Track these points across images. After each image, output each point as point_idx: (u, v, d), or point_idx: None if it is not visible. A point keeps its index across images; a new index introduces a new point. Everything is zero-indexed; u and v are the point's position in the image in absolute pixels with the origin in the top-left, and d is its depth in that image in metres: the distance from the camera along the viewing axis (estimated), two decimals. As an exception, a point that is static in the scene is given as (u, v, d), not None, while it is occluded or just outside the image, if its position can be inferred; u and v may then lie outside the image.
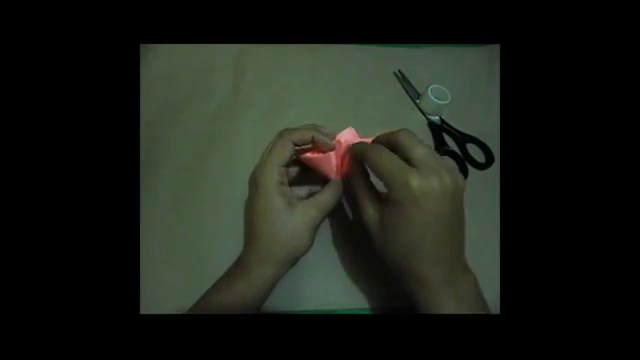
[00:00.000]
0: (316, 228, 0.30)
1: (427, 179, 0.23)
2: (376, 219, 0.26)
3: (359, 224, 0.36)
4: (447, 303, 0.25)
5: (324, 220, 0.36)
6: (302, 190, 0.34)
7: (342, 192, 0.31)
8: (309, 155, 0.30)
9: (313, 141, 0.30)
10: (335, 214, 0.37)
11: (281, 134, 0.30)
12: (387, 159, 0.25)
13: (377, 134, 0.29)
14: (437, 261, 0.25)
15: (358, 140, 0.30)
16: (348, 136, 0.30)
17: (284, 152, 0.29)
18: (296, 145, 0.29)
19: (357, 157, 0.28)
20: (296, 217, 0.28)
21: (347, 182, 0.31)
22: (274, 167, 0.28)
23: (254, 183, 0.29)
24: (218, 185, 0.38)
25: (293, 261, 0.30)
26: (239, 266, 0.29)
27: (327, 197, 0.30)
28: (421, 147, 0.25)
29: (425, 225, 0.24)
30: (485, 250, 0.33)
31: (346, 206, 0.38)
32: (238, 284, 0.28)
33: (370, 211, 0.27)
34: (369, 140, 0.30)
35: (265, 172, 0.28)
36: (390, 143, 0.26)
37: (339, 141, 0.30)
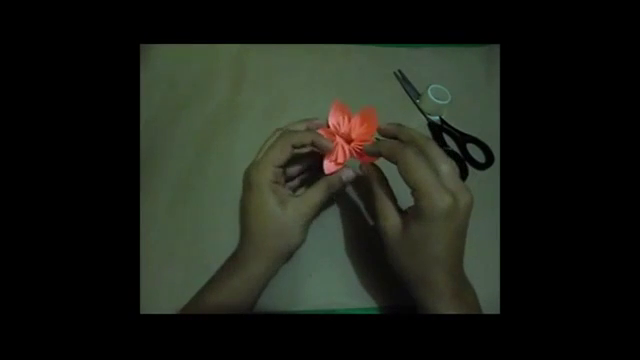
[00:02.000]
0: (308, 224, 0.30)
1: (458, 197, 0.25)
2: (399, 229, 0.26)
3: (359, 224, 0.37)
4: (452, 309, 0.26)
5: (322, 218, 0.36)
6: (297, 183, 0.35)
7: (334, 188, 0.31)
8: (327, 167, 0.31)
9: (312, 144, 0.30)
10: (335, 214, 0.37)
11: (282, 136, 0.30)
12: (428, 173, 0.24)
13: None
14: (451, 271, 0.26)
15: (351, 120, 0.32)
16: (336, 117, 0.32)
17: (282, 154, 0.29)
18: (295, 148, 0.30)
19: (388, 157, 0.27)
20: (288, 215, 0.29)
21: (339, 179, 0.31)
22: (269, 167, 0.29)
23: (248, 181, 0.29)
24: (218, 185, 0.38)
25: (287, 256, 0.31)
26: (234, 262, 0.30)
27: (318, 194, 0.30)
28: (448, 162, 0.26)
29: (450, 239, 0.25)
30: (485, 250, 0.33)
31: (346, 206, 0.38)
32: (233, 279, 0.29)
33: (392, 219, 0.27)
34: (358, 119, 0.32)
35: (260, 171, 0.29)
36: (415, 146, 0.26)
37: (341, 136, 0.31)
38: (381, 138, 0.31)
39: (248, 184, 0.29)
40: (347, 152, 0.31)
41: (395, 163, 0.26)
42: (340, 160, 0.31)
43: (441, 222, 0.24)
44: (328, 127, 0.32)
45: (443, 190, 0.24)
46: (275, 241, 0.29)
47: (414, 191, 0.25)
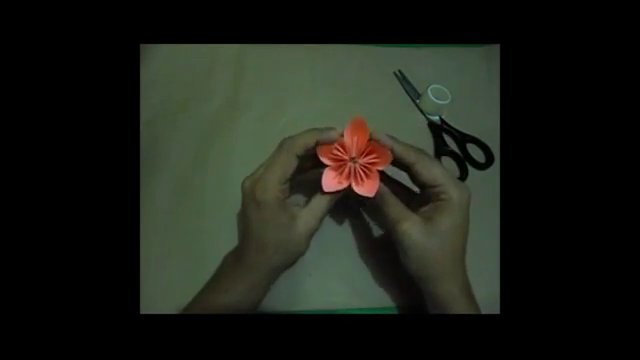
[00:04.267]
0: (313, 234, 0.30)
1: (468, 192, 0.28)
2: (422, 226, 0.27)
3: (359, 224, 0.37)
4: (465, 307, 0.27)
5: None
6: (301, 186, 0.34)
7: (339, 196, 0.30)
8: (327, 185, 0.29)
9: (318, 143, 0.28)
10: (335, 214, 0.37)
11: (283, 147, 0.28)
12: (444, 170, 0.28)
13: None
14: (464, 268, 0.28)
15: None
16: (352, 135, 0.29)
17: (287, 168, 0.28)
18: (299, 157, 0.28)
19: (404, 162, 0.29)
20: (299, 229, 0.28)
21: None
22: (277, 186, 0.27)
23: (253, 198, 0.28)
24: (218, 185, 0.38)
25: (292, 264, 0.30)
26: (241, 269, 0.29)
27: (324, 204, 0.29)
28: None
29: (466, 231, 0.27)
30: (485, 250, 0.33)
31: (346, 207, 0.38)
32: (241, 286, 0.29)
33: (413, 219, 0.27)
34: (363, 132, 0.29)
35: (267, 190, 0.27)
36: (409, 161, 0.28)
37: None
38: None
39: (254, 202, 0.28)
40: (352, 174, 0.29)
41: (408, 164, 0.28)
42: (343, 180, 0.29)
43: (464, 213, 0.27)
44: (341, 143, 0.29)
45: (461, 184, 0.27)
46: (286, 255, 0.29)
47: (433, 187, 0.27)
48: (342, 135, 0.29)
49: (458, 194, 0.27)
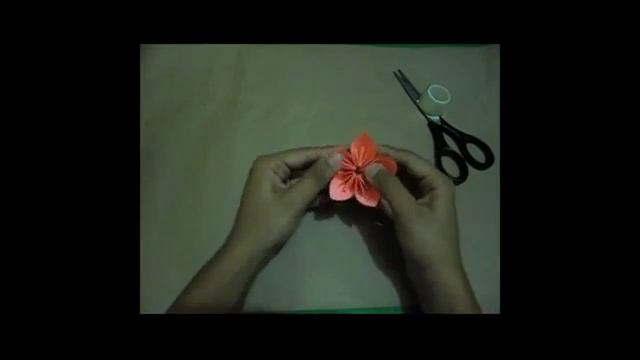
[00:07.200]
0: (297, 215, 0.30)
1: (453, 184, 0.31)
2: (421, 213, 0.29)
3: (359, 224, 0.37)
4: (462, 294, 0.27)
5: (322, 218, 0.36)
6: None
7: (323, 174, 0.31)
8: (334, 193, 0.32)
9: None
10: (335, 214, 0.37)
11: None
12: (431, 164, 0.32)
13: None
14: (458, 258, 0.29)
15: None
16: (358, 147, 0.32)
17: (294, 155, 0.31)
18: (310, 159, 0.32)
19: (401, 164, 0.32)
20: (276, 201, 0.30)
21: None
22: (275, 160, 0.30)
23: (252, 167, 0.31)
24: (218, 185, 0.38)
25: (272, 245, 0.30)
26: (221, 248, 0.30)
27: (307, 183, 0.30)
28: None
29: (456, 222, 0.30)
30: (485, 250, 0.33)
31: (346, 206, 0.37)
32: (212, 266, 0.29)
33: (412, 206, 0.29)
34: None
35: (265, 160, 0.31)
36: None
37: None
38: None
39: (250, 170, 0.31)
40: (356, 184, 0.31)
41: (404, 164, 0.31)
42: (347, 190, 0.32)
43: (452, 202, 0.29)
44: (347, 155, 0.32)
45: (445, 176, 0.31)
46: (260, 225, 0.29)
47: (424, 177, 0.30)
48: (349, 149, 0.32)
49: (445, 183, 0.30)
